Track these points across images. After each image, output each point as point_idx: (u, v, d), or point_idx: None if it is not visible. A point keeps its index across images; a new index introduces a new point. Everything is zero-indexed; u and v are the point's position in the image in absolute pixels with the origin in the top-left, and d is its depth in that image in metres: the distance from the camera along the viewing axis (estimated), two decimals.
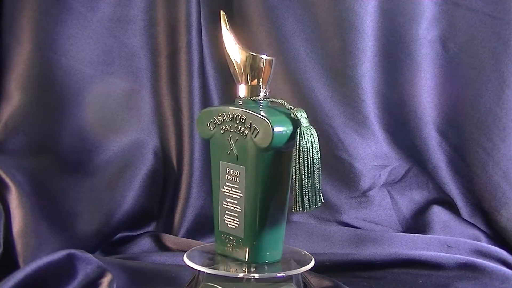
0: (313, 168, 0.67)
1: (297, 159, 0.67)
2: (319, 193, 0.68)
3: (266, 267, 0.70)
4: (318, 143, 0.68)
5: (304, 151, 0.67)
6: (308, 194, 0.67)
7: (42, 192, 0.93)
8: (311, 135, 0.67)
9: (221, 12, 0.73)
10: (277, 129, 0.66)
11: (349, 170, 1.07)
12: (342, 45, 1.04)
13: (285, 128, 0.67)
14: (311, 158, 0.67)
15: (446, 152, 1.09)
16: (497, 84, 1.03)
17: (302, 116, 0.67)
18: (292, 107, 0.68)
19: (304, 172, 0.67)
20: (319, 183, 0.68)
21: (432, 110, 1.08)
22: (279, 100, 0.70)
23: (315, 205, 0.68)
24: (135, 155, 1.02)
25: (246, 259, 0.71)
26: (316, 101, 1.06)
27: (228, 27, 0.72)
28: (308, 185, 0.67)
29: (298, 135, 0.67)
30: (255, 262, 0.71)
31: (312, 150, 0.67)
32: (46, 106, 0.97)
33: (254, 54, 0.70)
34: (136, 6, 1.02)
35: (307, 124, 0.68)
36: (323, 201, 0.69)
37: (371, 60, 1.06)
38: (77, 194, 0.96)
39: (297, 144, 0.67)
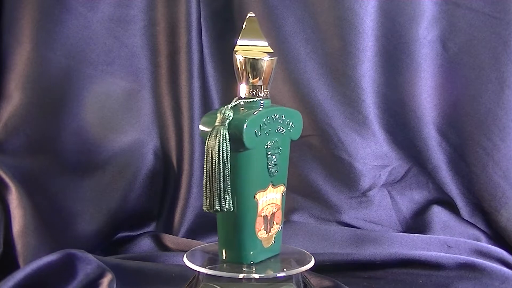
0: (212, 170, 0.66)
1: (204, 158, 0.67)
2: (221, 198, 0.66)
3: (266, 267, 0.71)
4: (225, 145, 0.65)
5: (207, 151, 0.66)
6: (208, 195, 0.66)
7: (42, 192, 0.93)
8: (217, 136, 0.66)
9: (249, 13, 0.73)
10: (202, 126, 0.69)
11: (349, 170, 1.06)
12: (342, 45, 1.04)
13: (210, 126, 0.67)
14: (210, 160, 0.65)
15: (446, 152, 1.09)
16: (497, 84, 1.03)
17: (224, 116, 0.66)
18: (227, 106, 0.67)
19: (205, 172, 0.66)
20: (220, 187, 0.66)
21: (432, 110, 1.08)
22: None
23: (213, 209, 0.66)
24: (135, 155, 1.02)
25: (223, 258, 0.72)
26: (316, 101, 1.06)
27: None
28: (208, 186, 0.66)
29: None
30: (229, 261, 0.71)
31: (212, 151, 0.65)
32: (46, 106, 0.97)
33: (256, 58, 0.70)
34: (136, 6, 1.02)
35: (221, 124, 0.66)
36: (229, 208, 0.66)
37: (371, 60, 1.06)
38: (77, 194, 0.96)
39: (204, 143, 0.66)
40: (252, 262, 0.71)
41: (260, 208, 0.71)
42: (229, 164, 0.66)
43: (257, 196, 0.70)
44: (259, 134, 0.68)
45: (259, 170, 0.70)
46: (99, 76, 1.00)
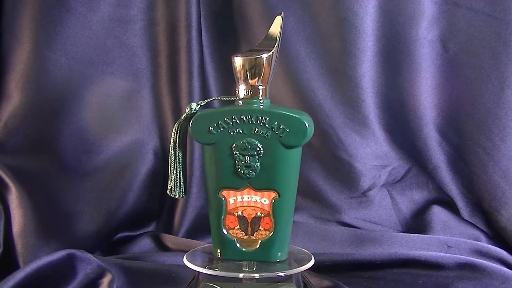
0: (169, 158, 0.72)
1: None
2: (174, 185, 0.73)
3: (266, 267, 0.70)
4: (178, 137, 0.72)
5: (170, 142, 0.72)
6: (168, 181, 0.73)
7: (42, 192, 0.93)
8: (174, 129, 0.71)
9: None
10: None
11: (349, 170, 1.07)
12: (342, 45, 1.04)
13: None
14: (168, 149, 0.72)
15: (446, 152, 1.09)
16: (497, 84, 1.03)
17: (191, 109, 0.71)
18: (198, 102, 0.71)
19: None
20: (170, 174, 0.73)
21: (432, 110, 1.08)
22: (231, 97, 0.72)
23: (168, 192, 0.73)
24: (135, 155, 1.02)
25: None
26: (316, 101, 1.06)
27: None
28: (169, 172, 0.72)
29: None
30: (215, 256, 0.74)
31: (170, 142, 0.72)
32: (46, 106, 0.97)
33: (254, 56, 0.70)
34: (136, 6, 1.02)
35: (181, 119, 0.71)
36: (172, 194, 0.73)
37: (371, 60, 1.06)
38: (77, 194, 0.96)
39: None
40: (224, 258, 0.73)
41: (231, 206, 0.71)
42: (177, 154, 0.72)
43: (225, 193, 0.71)
44: (218, 131, 0.69)
45: (225, 168, 0.70)
46: (99, 76, 1.00)
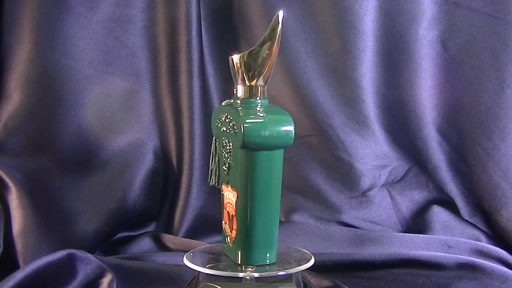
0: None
1: None
2: (211, 175, 0.74)
3: (266, 267, 0.70)
4: (211, 131, 0.74)
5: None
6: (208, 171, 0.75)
7: (42, 192, 0.93)
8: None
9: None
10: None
11: (349, 170, 1.07)
12: (342, 45, 1.04)
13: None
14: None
15: (446, 152, 1.09)
16: (497, 84, 1.03)
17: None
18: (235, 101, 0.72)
19: None
20: (211, 165, 0.74)
21: (432, 110, 1.08)
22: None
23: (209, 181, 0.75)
24: (135, 155, 1.02)
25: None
26: (316, 101, 1.06)
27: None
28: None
29: None
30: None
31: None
32: (46, 106, 0.97)
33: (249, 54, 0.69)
34: (136, 6, 1.02)
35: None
36: (209, 183, 0.74)
37: (371, 60, 1.06)
38: (77, 194, 0.96)
39: None
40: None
41: (225, 201, 0.72)
42: (212, 147, 0.73)
43: (223, 187, 0.73)
44: (216, 127, 0.72)
45: (220, 162, 0.72)
46: (99, 76, 1.00)
